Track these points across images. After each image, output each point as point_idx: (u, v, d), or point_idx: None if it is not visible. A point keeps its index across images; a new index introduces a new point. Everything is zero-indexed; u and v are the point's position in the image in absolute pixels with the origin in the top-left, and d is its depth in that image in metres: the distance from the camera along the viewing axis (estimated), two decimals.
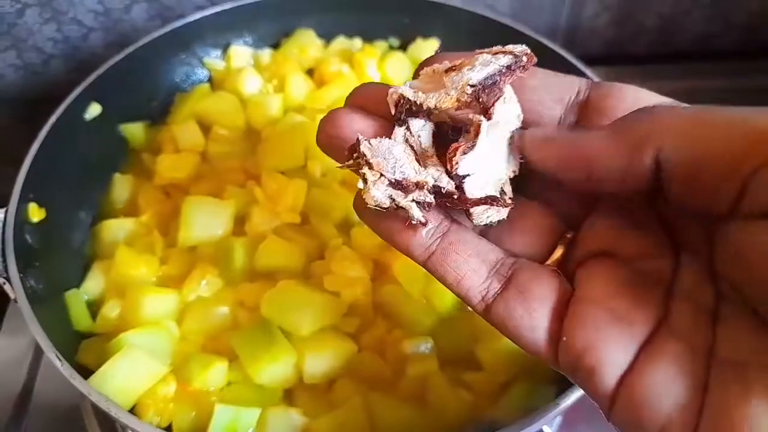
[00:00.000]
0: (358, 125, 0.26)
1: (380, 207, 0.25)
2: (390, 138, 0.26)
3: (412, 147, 0.26)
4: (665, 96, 0.25)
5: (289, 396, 0.53)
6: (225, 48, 0.77)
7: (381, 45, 0.78)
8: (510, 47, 0.26)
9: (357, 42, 0.77)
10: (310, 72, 0.74)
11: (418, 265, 0.26)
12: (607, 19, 0.92)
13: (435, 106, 0.25)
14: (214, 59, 0.77)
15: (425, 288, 0.57)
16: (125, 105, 0.71)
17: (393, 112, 0.26)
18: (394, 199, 0.25)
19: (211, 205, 0.60)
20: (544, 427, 0.56)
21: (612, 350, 0.22)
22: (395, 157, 0.25)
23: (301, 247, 0.59)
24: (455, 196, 0.25)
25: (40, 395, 0.65)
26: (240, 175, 0.65)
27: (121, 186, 0.67)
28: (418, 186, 0.25)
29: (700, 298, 0.22)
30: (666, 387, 0.21)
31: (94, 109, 0.67)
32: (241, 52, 0.76)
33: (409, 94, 0.26)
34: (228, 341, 0.53)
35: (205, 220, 0.59)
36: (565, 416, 0.61)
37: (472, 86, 0.24)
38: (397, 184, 0.25)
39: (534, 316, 0.24)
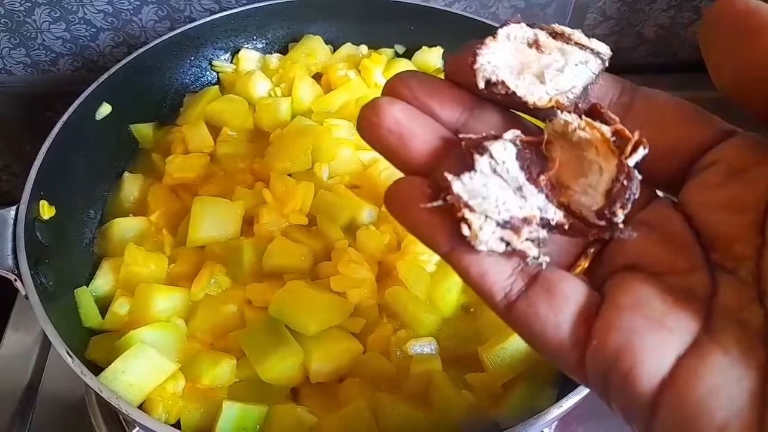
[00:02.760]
0: (399, 114, 0.25)
1: (493, 252, 0.22)
2: (472, 170, 0.23)
3: (501, 177, 0.23)
4: None
5: (296, 394, 0.54)
6: (234, 51, 0.78)
7: (387, 51, 0.79)
8: (593, 44, 0.24)
9: (363, 48, 0.79)
10: (317, 77, 0.75)
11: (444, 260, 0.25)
12: (608, 28, 0.94)
13: (531, 102, 0.23)
14: (223, 62, 0.78)
15: (429, 289, 0.58)
16: (135, 105, 0.72)
17: (481, 86, 0.24)
18: (508, 242, 0.22)
19: (220, 205, 0.61)
20: (545, 430, 0.57)
21: (651, 353, 0.21)
22: (494, 194, 0.22)
23: (308, 249, 0.60)
24: (566, 227, 0.23)
25: (46, 389, 0.66)
26: (248, 177, 0.66)
27: (131, 185, 0.68)
28: (527, 222, 0.22)
29: (746, 318, 0.21)
30: (723, 392, 0.20)
31: (104, 109, 0.68)
32: (250, 56, 0.77)
33: (509, 78, 0.23)
34: (236, 339, 0.54)
35: (214, 221, 0.60)
36: (562, 418, 0.63)
37: (574, 94, 0.23)
38: (506, 225, 0.22)
39: (560, 314, 0.23)
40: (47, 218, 0.59)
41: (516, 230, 0.22)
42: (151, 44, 0.71)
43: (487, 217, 0.22)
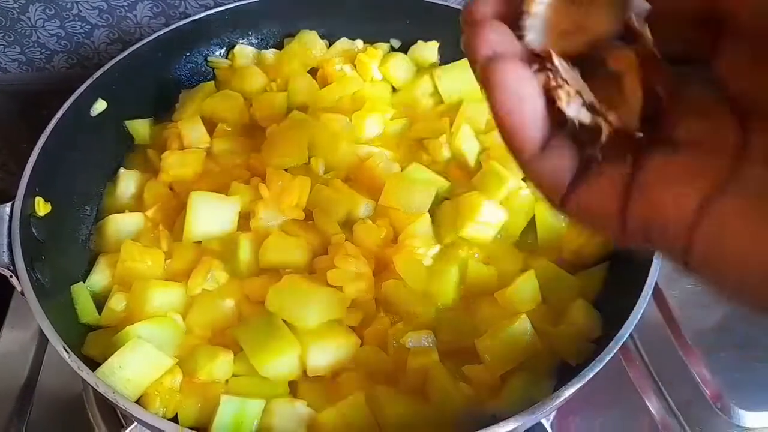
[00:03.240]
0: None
1: (579, 121, 0.25)
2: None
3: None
4: None
5: (294, 388, 0.54)
6: (229, 47, 0.78)
7: (383, 46, 0.79)
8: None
9: (359, 43, 0.79)
10: (313, 72, 0.75)
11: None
12: None
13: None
14: (218, 58, 0.78)
15: (426, 283, 0.58)
16: (130, 101, 0.71)
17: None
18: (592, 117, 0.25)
19: (216, 200, 0.60)
20: (542, 420, 0.58)
21: (682, 199, 0.23)
22: (582, 83, 0.25)
23: (304, 243, 0.60)
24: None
25: (43, 386, 0.66)
26: (244, 172, 0.66)
27: (127, 181, 0.67)
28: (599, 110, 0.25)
29: None
30: (740, 227, 0.22)
31: (99, 105, 0.68)
32: (245, 51, 0.77)
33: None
34: (233, 334, 0.54)
35: (211, 216, 0.60)
36: (559, 409, 0.63)
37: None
38: (591, 107, 0.24)
39: (609, 197, 0.25)
40: (42, 214, 0.59)
41: (596, 113, 0.24)
42: (146, 40, 0.71)
43: (578, 93, 0.24)
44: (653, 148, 0.25)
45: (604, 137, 0.25)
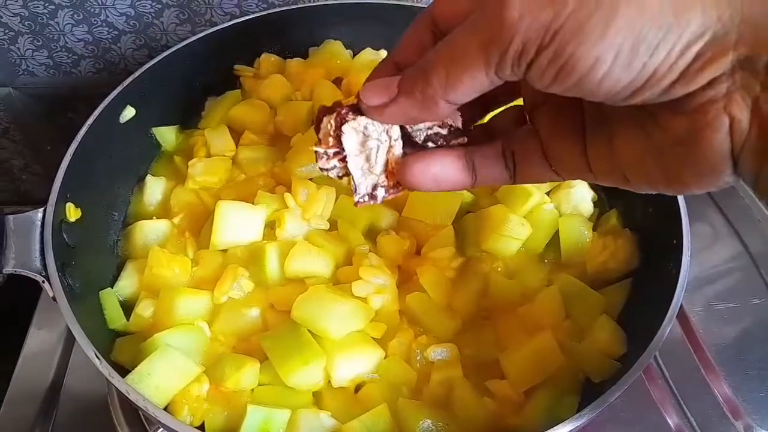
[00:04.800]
0: None
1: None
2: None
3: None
4: None
5: (318, 398, 0.54)
6: (255, 56, 0.79)
7: None
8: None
9: (383, 53, 0.79)
10: (337, 81, 0.76)
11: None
12: None
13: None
14: (244, 66, 0.78)
15: (450, 296, 0.58)
16: (158, 109, 0.72)
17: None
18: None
19: (243, 209, 0.61)
20: None
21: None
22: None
23: (330, 253, 0.60)
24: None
25: (69, 388, 0.67)
26: (269, 181, 0.67)
27: (154, 188, 0.68)
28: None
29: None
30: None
31: (128, 113, 0.69)
32: (270, 60, 0.78)
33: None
34: (260, 343, 0.55)
35: (238, 225, 0.60)
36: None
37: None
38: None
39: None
40: (73, 220, 0.60)
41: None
42: (174, 48, 0.72)
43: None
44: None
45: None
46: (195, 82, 0.76)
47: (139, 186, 0.70)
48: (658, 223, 0.60)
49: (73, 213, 0.60)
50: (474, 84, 0.32)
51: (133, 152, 0.71)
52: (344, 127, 0.42)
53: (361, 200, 0.45)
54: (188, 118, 0.75)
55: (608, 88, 0.29)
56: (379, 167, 0.44)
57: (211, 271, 0.60)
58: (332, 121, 0.43)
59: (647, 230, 0.62)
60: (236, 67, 0.78)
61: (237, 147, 0.69)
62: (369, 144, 0.43)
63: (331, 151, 0.43)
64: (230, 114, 0.72)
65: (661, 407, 0.65)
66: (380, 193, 0.45)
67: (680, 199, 0.58)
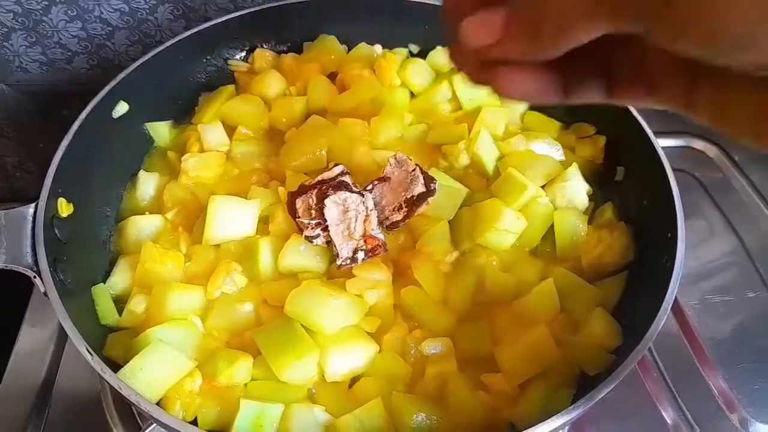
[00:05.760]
0: None
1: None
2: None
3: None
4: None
5: (312, 393, 0.54)
6: (250, 50, 0.79)
7: (401, 51, 0.79)
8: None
9: (378, 48, 0.79)
10: (332, 76, 0.76)
11: None
12: None
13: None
14: (238, 61, 0.78)
15: (444, 290, 0.58)
16: (151, 104, 0.72)
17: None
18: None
19: (236, 204, 0.61)
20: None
21: None
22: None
23: (323, 248, 0.60)
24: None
25: (61, 385, 0.67)
26: (263, 176, 0.67)
27: (147, 183, 0.68)
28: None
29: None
30: None
31: (121, 108, 0.68)
32: (265, 55, 0.77)
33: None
34: (254, 338, 0.54)
35: (231, 219, 0.60)
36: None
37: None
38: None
39: None
40: (65, 216, 0.60)
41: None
42: (168, 43, 0.71)
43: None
44: None
45: None
46: (188, 76, 0.76)
47: (132, 181, 0.70)
48: (653, 217, 0.60)
49: (65, 208, 0.60)
50: (593, 33, 0.27)
51: (125, 147, 0.70)
52: (326, 201, 0.52)
53: (344, 263, 0.53)
54: (182, 114, 0.75)
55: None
56: (358, 233, 0.53)
57: (205, 266, 0.60)
58: (314, 197, 0.53)
59: (642, 224, 0.62)
60: (230, 62, 0.78)
61: (231, 142, 0.69)
62: (348, 214, 0.53)
63: (314, 222, 0.53)
64: (224, 109, 0.72)
65: (656, 400, 0.65)
66: (360, 255, 0.54)
67: (675, 192, 0.58)
